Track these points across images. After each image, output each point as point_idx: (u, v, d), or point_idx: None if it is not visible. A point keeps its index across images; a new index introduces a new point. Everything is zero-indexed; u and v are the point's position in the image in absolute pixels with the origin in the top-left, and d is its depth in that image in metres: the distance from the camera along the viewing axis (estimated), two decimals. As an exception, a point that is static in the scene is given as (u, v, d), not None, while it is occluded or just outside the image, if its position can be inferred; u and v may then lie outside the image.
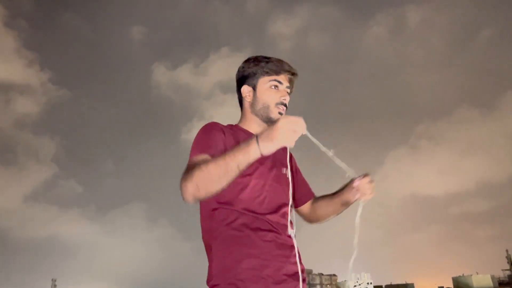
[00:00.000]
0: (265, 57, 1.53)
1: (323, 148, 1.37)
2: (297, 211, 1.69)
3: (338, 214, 1.62)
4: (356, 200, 1.51)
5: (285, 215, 1.43)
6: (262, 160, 1.46)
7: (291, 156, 1.63)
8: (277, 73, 1.50)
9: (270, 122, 1.50)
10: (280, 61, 1.52)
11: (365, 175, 1.48)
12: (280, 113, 1.49)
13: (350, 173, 1.48)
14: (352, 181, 1.51)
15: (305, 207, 1.68)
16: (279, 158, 1.54)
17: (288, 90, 1.52)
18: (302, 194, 1.67)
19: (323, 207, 1.64)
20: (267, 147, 1.17)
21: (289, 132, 1.15)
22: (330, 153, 1.37)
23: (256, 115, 1.52)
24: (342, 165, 1.45)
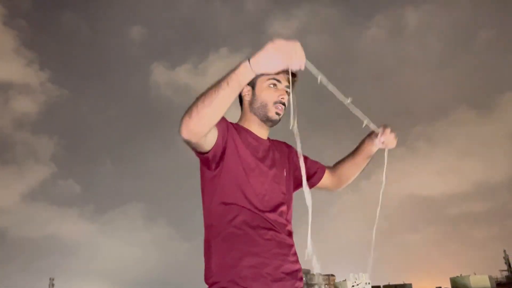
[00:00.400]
0: None
1: (340, 96, 1.37)
2: (319, 187, 1.73)
3: (363, 170, 1.72)
4: (379, 149, 1.61)
5: (282, 214, 1.44)
6: (262, 159, 1.47)
7: (292, 151, 1.65)
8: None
9: (268, 121, 1.51)
10: None
11: (385, 126, 1.57)
12: (278, 113, 1.49)
13: (367, 122, 1.53)
14: (370, 135, 1.61)
15: (326, 180, 1.72)
16: (279, 157, 1.55)
17: (287, 90, 1.52)
18: (315, 172, 1.71)
19: (347, 169, 1.72)
20: (257, 60, 1.16)
21: (283, 49, 1.15)
22: (347, 100, 1.39)
23: (255, 114, 1.52)
24: (359, 114, 1.48)
